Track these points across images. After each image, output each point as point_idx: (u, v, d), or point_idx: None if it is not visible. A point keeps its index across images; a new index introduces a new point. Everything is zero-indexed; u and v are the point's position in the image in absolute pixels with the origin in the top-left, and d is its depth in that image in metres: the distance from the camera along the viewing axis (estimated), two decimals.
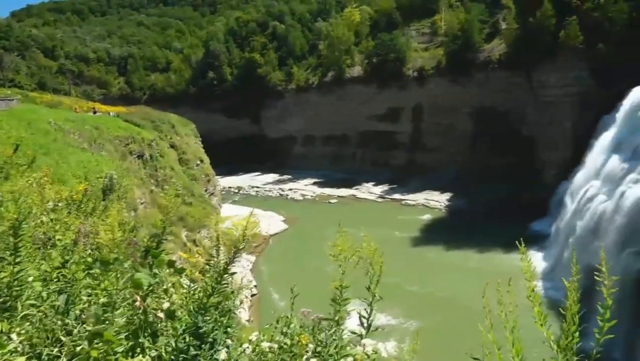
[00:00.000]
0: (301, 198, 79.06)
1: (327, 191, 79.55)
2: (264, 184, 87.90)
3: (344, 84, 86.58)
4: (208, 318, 2.86)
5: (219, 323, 2.84)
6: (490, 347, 2.25)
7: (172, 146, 49.34)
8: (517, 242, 2.80)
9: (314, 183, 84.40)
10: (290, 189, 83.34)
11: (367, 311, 3.14)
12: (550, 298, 33.90)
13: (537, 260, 47.06)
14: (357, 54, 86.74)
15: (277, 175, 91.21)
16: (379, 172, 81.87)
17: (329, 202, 75.14)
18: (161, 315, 2.81)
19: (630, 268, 32.57)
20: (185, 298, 3.04)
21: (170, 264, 3.08)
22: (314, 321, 3.07)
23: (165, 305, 2.92)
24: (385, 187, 76.90)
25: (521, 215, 56.84)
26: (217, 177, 64.20)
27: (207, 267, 3.22)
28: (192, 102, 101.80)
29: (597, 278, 2.32)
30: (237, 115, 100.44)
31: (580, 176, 47.51)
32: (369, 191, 77.22)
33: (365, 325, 3.13)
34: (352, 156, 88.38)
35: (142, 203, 28.21)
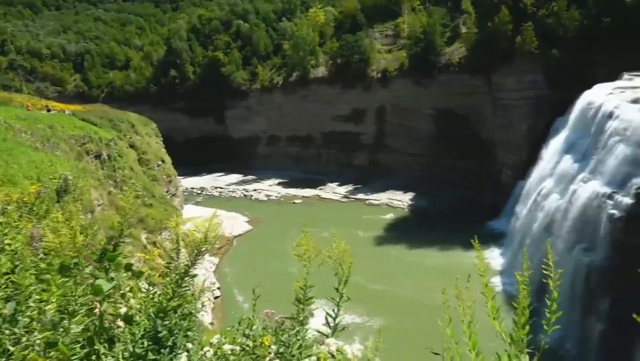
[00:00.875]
0: (265, 198, 78.60)
1: (292, 191, 79.44)
2: (228, 185, 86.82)
3: (308, 85, 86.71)
4: (167, 322, 2.79)
5: (179, 327, 2.77)
6: (449, 341, 2.31)
7: (132, 146, 47.93)
8: (472, 240, 2.87)
9: (279, 184, 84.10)
10: (255, 190, 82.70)
11: (333, 311, 3.15)
12: (508, 293, 35.20)
13: (496, 256, 48.72)
14: (321, 54, 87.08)
15: (241, 175, 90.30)
16: (343, 172, 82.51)
17: (294, 203, 75.07)
18: (119, 320, 2.72)
19: (581, 264, 34.24)
20: (144, 302, 2.95)
21: (128, 267, 2.99)
22: (276, 322, 3.05)
23: (123, 310, 2.83)
24: (349, 187, 77.58)
25: (481, 214, 58.72)
26: (180, 177, 62.89)
27: (167, 269, 3.15)
28: (153, 100, 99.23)
29: (545, 272, 2.43)
30: (200, 114, 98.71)
31: (535, 176, 49.47)
32: (334, 191, 77.67)
33: (331, 324, 3.13)
34: (317, 156, 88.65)
35: (99, 205, 27.24)
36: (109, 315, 2.74)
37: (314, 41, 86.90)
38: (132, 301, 2.92)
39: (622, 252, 30.29)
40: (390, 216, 65.08)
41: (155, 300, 2.93)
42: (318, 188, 79.34)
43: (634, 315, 2.41)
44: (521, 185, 53.35)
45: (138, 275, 3.03)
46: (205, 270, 45.98)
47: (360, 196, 73.57)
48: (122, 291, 2.93)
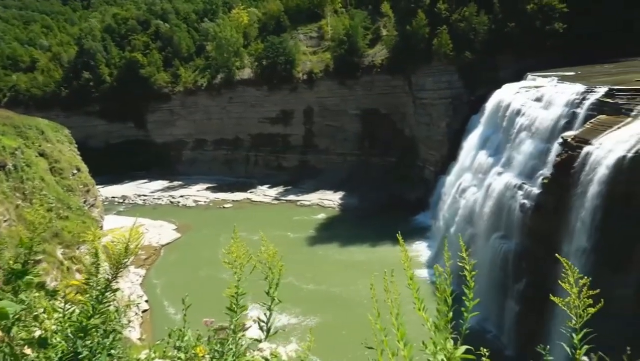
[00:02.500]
0: (194, 204, 76.23)
1: (221, 196, 77.76)
2: (152, 192, 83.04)
3: (234, 86, 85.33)
4: (89, 341, 2.60)
5: (102, 346, 2.60)
6: (379, 334, 2.37)
7: (42, 154, 44.18)
8: (397, 234, 2.98)
9: (207, 189, 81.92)
10: (182, 196, 79.87)
11: (266, 316, 3.11)
12: (436, 284, 37.06)
13: (423, 249, 51.09)
14: (246, 56, 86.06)
15: (167, 181, 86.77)
16: (273, 174, 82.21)
17: (224, 207, 73.54)
18: (29, 347, 2.48)
19: (498, 250, 36.88)
20: (61, 322, 2.73)
21: (41, 286, 2.75)
22: (209, 331, 2.96)
23: (37, 333, 2.60)
24: (280, 189, 77.45)
25: (407, 209, 61.31)
26: (98, 186, 59.12)
27: (87, 285, 2.94)
28: (64, 105, 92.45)
29: (460, 263, 2.58)
30: (119, 119, 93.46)
31: (455, 171, 52.50)
32: (264, 194, 77.14)
33: (265, 329, 3.10)
34: (246, 159, 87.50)
35: (5, 221, 24.85)
36: (20, 340, 2.50)
37: (238, 42, 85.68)
38: (47, 322, 2.68)
39: (532, 238, 33.04)
40: (321, 216, 65.89)
41: (74, 319, 2.72)
42: (248, 191, 78.38)
43: (550, 296, 2.63)
44: (443, 179, 56.36)
45: (52, 293, 2.80)
46: (131, 283, 43.66)
47: (291, 197, 73.73)
48: (35, 313, 2.69)
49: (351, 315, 37.01)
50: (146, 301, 43.33)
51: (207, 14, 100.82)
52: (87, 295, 2.84)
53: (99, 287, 2.85)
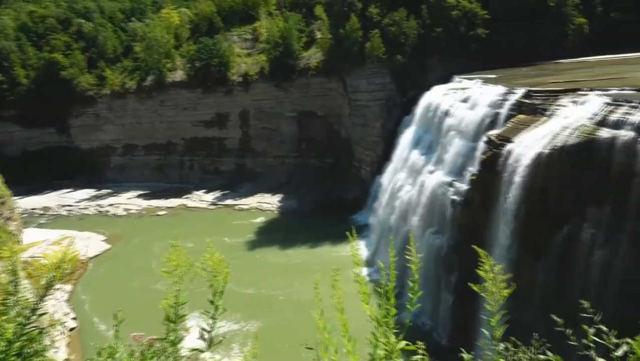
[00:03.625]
0: (125, 213, 72.57)
1: (155, 203, 74.68)
2: (78, 201, 78.02)
3: (166, 89, 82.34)
4: None
5: None
6: (322, 332, 2.37)
7: None
8: (348, 233, 3.00)
9: (139, 196, 78.32)
10: (111, 204, 75.75)
11: (209, 325, 3.00)
12: (375, 282, 37.93)
13: (361, 248, 52.15)
14: (178, 57, 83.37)
15: (94, 190, 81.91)
16: (209, 178, 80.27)
17: (157, 215, 70.69)
18: None
19: (432, 245, 38.47)
20: None
21: None
22: (143, 345, 2.80)
23: None
24: (217, 194, 75.75)
25: (345, 209, 62.34)
26: (15, 197, 54.63)
27: (4, 307, 2.67)
28: None
29: (407, 257, 2.65)
30: (38, 124, 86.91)
31: (390, 170, 54.12)
32: (201, 199, 75.08)
33: (207, 338, 2.98)
34: (180, 164, 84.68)
35: None
36: None
37: (169, 43, 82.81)
38: None
39: (463, 232, 34.81)
40: (260, 219, 65.25)
41: None
42: (184, 197, 75.91)
43: (470, 285, 2.75)
44: (378, 179, 57.89)
45: None
46: (55, 300, 40.73)
47: (229, 202, 72.36)
48: None
49: (293, 317, 37.00)
50: (74, 318, 40.64)
51: (134, 13, 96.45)
52: (4, 318, 2.58)
53: (19, 308, 2.60)
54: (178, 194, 77.01)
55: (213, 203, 73.06)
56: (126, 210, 73.55)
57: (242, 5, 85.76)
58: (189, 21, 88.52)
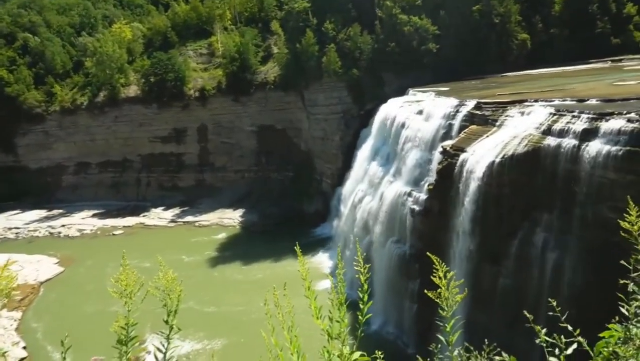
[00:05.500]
0: (78, 234, 69.47)
1: (110, 222, 71.94)
2: (27, 223, 74.01)
3: (119, 105, 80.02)
4: None
5: None
6: (274, 349, 2.38)
7: None
8: (295, 247, 3.03)
9: (93, 215, 75.25)
10: (63, 225, 72.33)
11: (164, 345, 2.93)
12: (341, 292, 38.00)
13: (325, 260, 52.14)
14: (132, 72, 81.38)
15: (45, 210, 78.00)
16: (168, 195, 78.26)
17: (113, 234, 68.12)
18: None
19: (393, 254, 39.04)
20: None
21: None
22: None
23: None
24: (176, 211, 73.90)
25: (307, 222, 62.33)
26: None
27: None
28: None
29: (355, 268, 2.70)
30: None
31: (350, 182, 54.71)
32: (159, 217, 72.99)
33: (160, 359, 2.91)
34: (137, 181, 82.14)
35: None
36: None
37: (121, 58, 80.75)
38: None
39: (423, 240, 35.55)
40: (221, 235, 64.11)
41: None
42: (141, 215, 73.56)
43: (426, 291, 2.84)
44: (339, 191, 58.35)
45: None
46: (3, 330, 38.27)
47: (189, 219, 70.73)
48: None
49: (256, 333, 36.41)
50: (24, 348, 38.28)
51: (84, 27, 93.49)
52: None
53: None
54: (135, 212, 74.59)
55: (172, 221, 71.19)
56: (79, 230, 70.45)
57: (197, 20, 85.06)
58: (142, 36, 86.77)
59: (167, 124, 79.80)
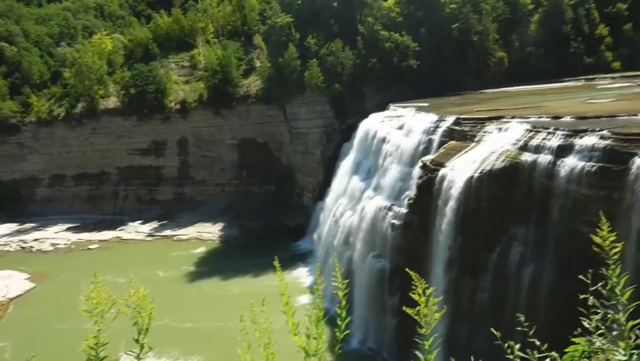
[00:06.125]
0: (51, 248, 67.56)
1: (86, 236, 70.23)
2: None
3: (98, 116, 78.81)
4: None
5: None
6: None
7: None
8: (273, 261, 2.98)
9: (68, 229, 73.36)
10: (36, 239, 70.26)
11: None
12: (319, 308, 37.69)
13: (305, 275, 51.75)
14: (111, 84, 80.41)
15: (16, 224, 75.71)
16: (146, 209, 76.90)
17: (88, 248, 66.47)
18: None
19: (374, 269, 39.02)
20: None
21: None
22: None
23: None
24: (154, 224, 72.60)
25: (288, 236, 61.95)
26: None
27: None
28: None
29: (333, 283, 2.67)
30: None
31: (331, 196, 54.73)
32: (137, 230, 71.59)
33: None
34: (114, 194, 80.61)
35: None
36: None
37: (101, 69, 79.80)
38: None
39: (402, 254, 35.66)
40: (201, 250, 63.15)
41: None
42: (118, 229, 72.04)
43: (405, 308, 2.81)
44: (320, 205, 58.29)
45: None
46: None
47: (167, 232, 69.54)
48: None
49: (233, 350, 35.72)
50: None
51: (64, 38, 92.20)
52: None
53: None
54: (112, 226, 73.02)
55: (150, 235, 69.88)
56: (53, 245, 68.52)
57: (179, 32, 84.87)
58: (122, 47, 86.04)
59: (147, 137, 78.85)
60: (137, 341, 2.70)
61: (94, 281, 2.74)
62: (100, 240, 68.72)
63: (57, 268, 58.92)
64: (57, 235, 71.85)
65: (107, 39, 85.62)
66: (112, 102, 79.32)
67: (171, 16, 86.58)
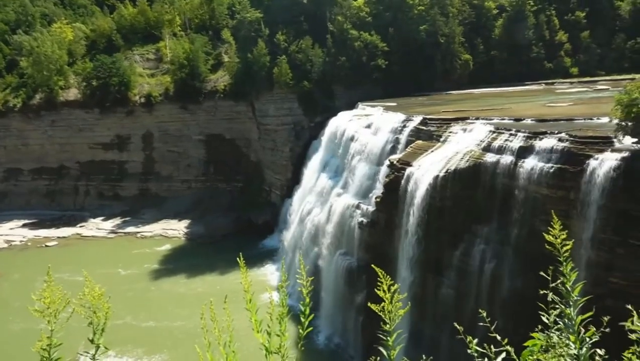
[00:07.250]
0: (6, 245, 64.62)
1: (43, 233, 67.49)
2: None
3: (57, 108, 75.72)
4: None
5: None
6: None
7: None
8: (237, 258, 2.94)
9: (24, 226, 70.32)
10: None
11: None
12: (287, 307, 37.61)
13: (273, 272, 51.55)
14: (72, 75, 77.41)
15: None
16: (108, 205, 74.60)
17: (46, 246, 63.92)
18: None
19: (341, 266, 39.27)
20: None
21: None
22: None
23: None
24: (117, 221, 70.54)
25: (256, 233, 61.46)
26: None
27: None
28: None
29: (299, 280, 2.66)
30: None
31: (299, 194, 54.68)
32: (98, 227, 69.38)
33: None
34: (74, 190, 77.75)
35: None
36: None
37: (61, 59, 76.70)
38: None
39: (370, 252, 36.05)
40: (166, 247, 61.83)
41: None
42: (78, 225, 69.59)
43: (369, 304, 2.83)
44: (288, 202, 58.13)
45: None
46: None
47: (131, 229, 67.69)
48: None
49: (194, 349, 35.24)
50: None
51: (20, 25, 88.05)
52: None
53: None
54: (71, 223, 70.47)
55: (112, 232, 67.86)
56: (7, 241, 65.53)
57: (145, 24, 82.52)
58: (84, 37, 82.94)
59: (110, 130, 76.43)
60: (92, 341, 2.60)
61: (47, 279, 2.61)
62: (58, 237, 66.21)
63: (10, 266, 56.41)
64: (11, 231, 68.76)
65: (68, 28, 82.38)
66: (72, 93, 76.40)
67: (136, 7, 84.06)
